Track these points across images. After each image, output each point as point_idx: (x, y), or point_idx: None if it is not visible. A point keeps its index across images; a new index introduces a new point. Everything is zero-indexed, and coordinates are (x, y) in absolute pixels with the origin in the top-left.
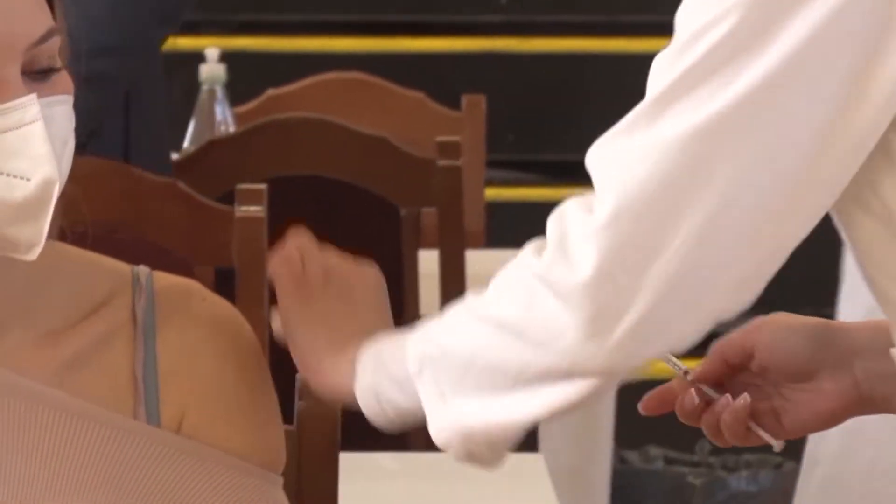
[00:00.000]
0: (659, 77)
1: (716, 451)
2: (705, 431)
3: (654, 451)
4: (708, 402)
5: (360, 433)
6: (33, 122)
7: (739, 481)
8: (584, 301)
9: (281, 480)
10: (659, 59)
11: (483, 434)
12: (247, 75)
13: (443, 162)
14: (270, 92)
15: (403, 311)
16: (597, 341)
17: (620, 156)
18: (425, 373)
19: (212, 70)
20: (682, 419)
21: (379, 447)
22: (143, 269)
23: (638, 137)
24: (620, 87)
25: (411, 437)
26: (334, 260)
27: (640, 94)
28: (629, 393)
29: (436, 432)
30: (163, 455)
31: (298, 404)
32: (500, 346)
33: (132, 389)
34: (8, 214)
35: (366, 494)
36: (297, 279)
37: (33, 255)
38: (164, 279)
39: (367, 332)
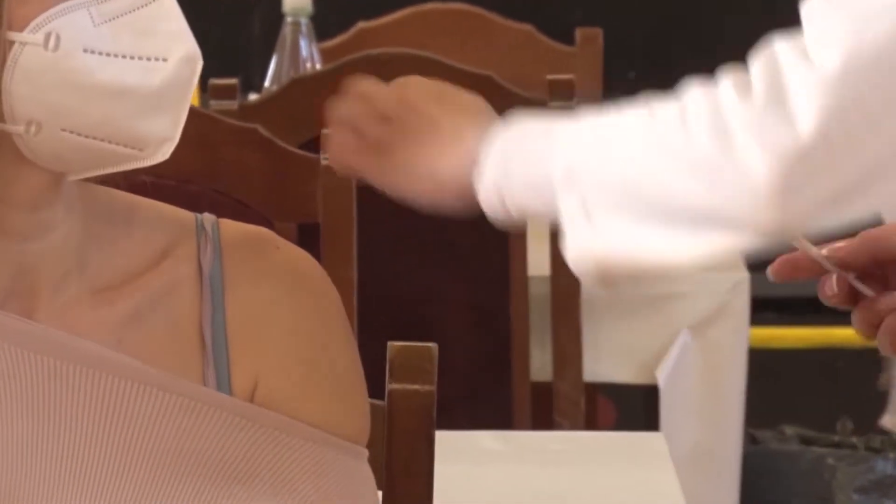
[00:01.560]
0: None
1: (859, 430)
2: (855, 324)
3: (790, 429)
4: (854, 292)
5: (459, 410)
6: None
7: (886, 464)
8: (794, 160)
9: (366, 453)
10: None
11: (627, 263)
12: (335, 6)
13: (554, 102)
14: (361, 24)
15: (510, 268)
16: (789, 201)
17: (855, 4)
18: (574, 186)
19: (296, 0)
20: (821, 299)
21: (479, 425)
22: (208, 217)
23: None
24: (752, 21)
25: (516, 414)
26: (382, 100)
27: (770, 31)
28: (759, 365)
29: (572, 252)
30: (234, 425)
31: (389, 382)
32: (675, 179)
33: (199, 351)
34: (143, 104)
35: (465, 477)
36: (360, 146)
37: (163, 155)
38: (232, 227)
39: (468, 115)
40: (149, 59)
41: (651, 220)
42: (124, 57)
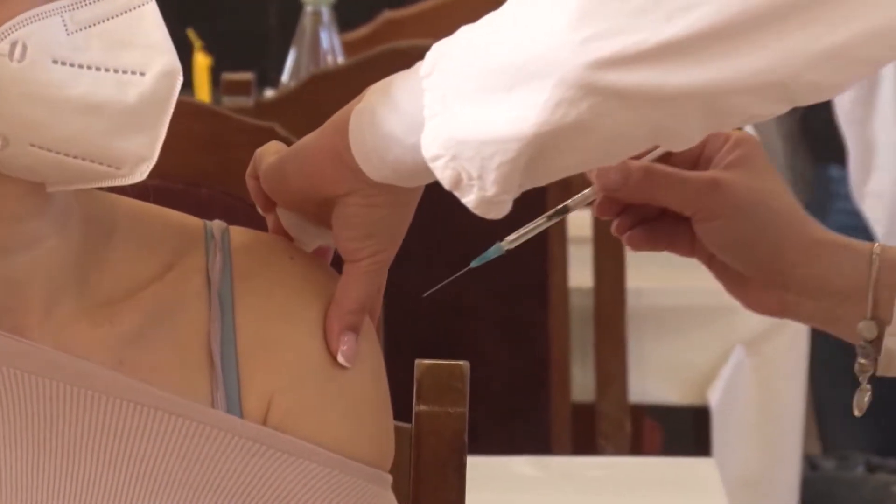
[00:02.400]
0: None
1: None
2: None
3: (854, 455)
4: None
5: (492, 433)
6: (144, 3)
7: None
8: None
9: (389, 479)
10: None
11: (473, 148)
12: None
13: None
14: (387, 14)
15: (548, 278)
16: (591, 44)
17: None
18: (436, 78)
19: None
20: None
21: (515, 450)
22: (217, 224)
23: None
24: None
25: (554, 438)
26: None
27: None
28: (819, 384)
29: (426, 145)
30: (245, 450)
31: (416, 404)
32: (507, 36)
33: (207, 370)
34: (118, 121)
35: None
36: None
37: (140, 175)
38: (243, 235)
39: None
40: (125, 72)
41: (493, 94)
42: (98, 69)
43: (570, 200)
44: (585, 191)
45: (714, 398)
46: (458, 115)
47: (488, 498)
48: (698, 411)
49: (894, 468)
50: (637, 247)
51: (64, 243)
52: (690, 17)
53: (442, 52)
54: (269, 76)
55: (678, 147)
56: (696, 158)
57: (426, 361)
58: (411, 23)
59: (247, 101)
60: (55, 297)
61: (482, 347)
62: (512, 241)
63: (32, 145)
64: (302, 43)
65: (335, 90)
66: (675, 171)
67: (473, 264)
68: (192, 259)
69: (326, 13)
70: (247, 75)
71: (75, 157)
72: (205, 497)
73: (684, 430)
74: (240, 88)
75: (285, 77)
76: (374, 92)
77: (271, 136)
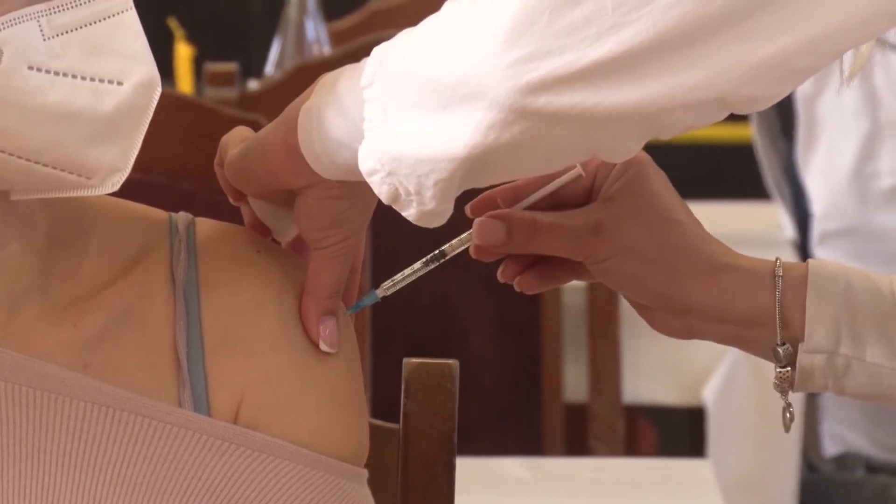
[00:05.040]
0: None
1: None
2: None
3: (854, 456)
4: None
5: (483, 434)
6: (124, 10)
7: None
8: (520, 14)
9: (365, 474)
10: None
11: (409, 165)
12: None
13: None
14: (373, 4)
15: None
16: (520, 65)
17: None
18: (376, 84)
19: None
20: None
21: (506, 451)
22: (182, 216)
23: None
24: None
25: (546, 439)
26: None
27: None
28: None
29: (363, 159)
30: (214, 450)
31: (404, 404)
32: (441, 51)
33: (174, 370)
34: (92, 130)
35: None
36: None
37: (112, 186)
38: (210, 228)
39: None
40: (101, 80)
41: (431, 110)
42: (74, 77)
43: (447, 245)
44: (463, 235)
45: (710, 398)
46: (396, 131)
47: (479, 500)
48: (694, 412)
49: (895, 469)
50: (532, 289)
51: (26, 247)
52: (621, 35)
53: (382, 60)
54: (254, 67)
55: (617, 159)
56: (588, 189)
57: (414, 360)
58: (399, 12)
59: (231, 93)
60: (18, 301)
61: (472, 346)
62: (387, 288)
63: (2, 151)
64: (287, 33)
65: None
66: (557, 221)
67: (348, 312)
68: (157, 255)
69: (312, 2)
70: (230, 66)
71: (45, 165)
72: (173, 498)
73: (679, 431)
74: (223, 79)
75: (270, 68)
76: (322, 88)
77: (256, 128)
